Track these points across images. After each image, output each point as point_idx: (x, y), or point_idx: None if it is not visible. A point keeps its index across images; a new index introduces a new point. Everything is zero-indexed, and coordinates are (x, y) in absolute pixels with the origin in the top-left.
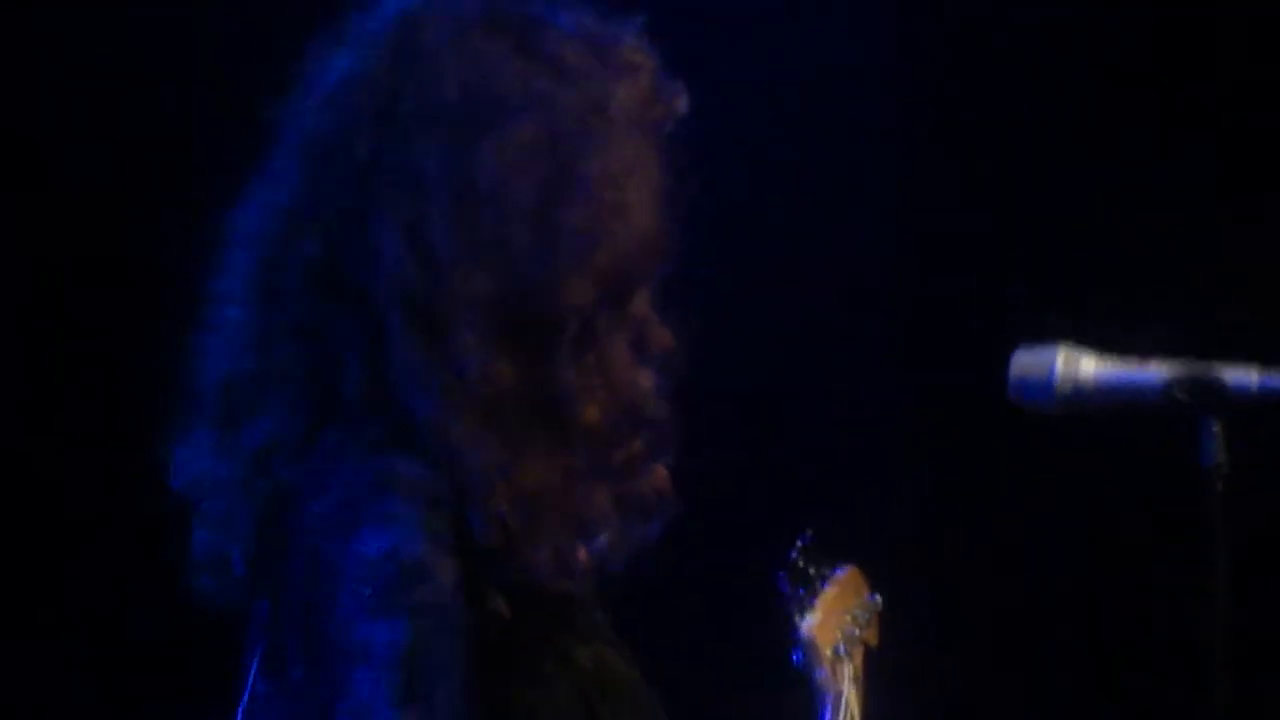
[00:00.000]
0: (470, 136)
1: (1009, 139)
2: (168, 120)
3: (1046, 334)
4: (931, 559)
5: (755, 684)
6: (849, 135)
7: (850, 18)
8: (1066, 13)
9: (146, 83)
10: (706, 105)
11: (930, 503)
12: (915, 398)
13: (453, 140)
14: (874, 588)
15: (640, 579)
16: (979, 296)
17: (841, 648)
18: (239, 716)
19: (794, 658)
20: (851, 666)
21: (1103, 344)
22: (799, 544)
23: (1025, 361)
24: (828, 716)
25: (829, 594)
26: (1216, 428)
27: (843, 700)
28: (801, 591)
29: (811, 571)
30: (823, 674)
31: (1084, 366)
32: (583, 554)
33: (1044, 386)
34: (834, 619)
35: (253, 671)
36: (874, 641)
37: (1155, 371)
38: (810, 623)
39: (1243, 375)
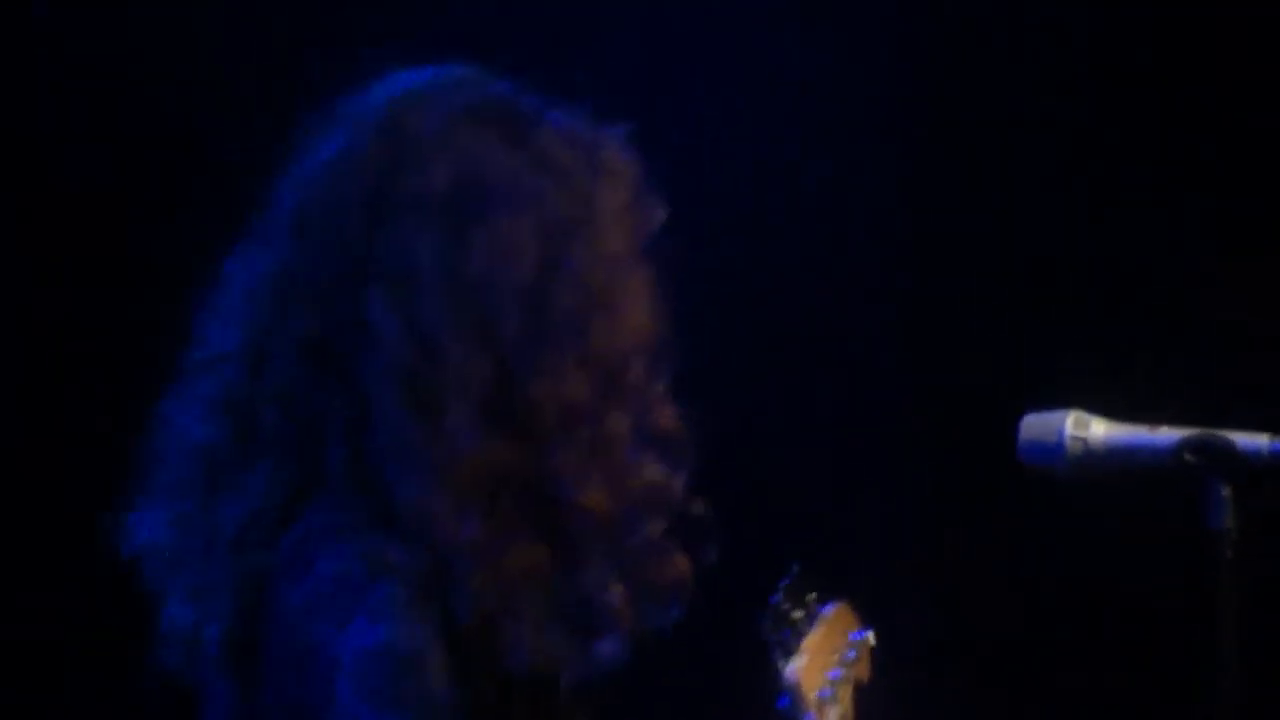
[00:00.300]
0: (461, 224)
1: (1009, 139)
2: (168, 120)
3: (1056, 395)
4: (932, 566)
5: None
6: (848, 136)
7: (850, 18)
8: (1066, 13)
9: (146, 83)
10: (706, 107)
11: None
12: (916, 400)
13: (443, 227)
14: (865, 622)
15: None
16: (979, 296)
17: (828, 691)
18: None
19: (780, 703)
20: (839, 707)
21: (1111, 403)
22: (782, 584)
23: (1035, 425)
24: None
25: (815, 635)
26: (1226, 491)
27: None
28: (786, 634)
29: (796, 614)
30: (810, 718)
31: (1094, 429)
32: (581, 650)
33: (1054, 449)
34: (820, 660)
35: None
36: (865, 677)
37: (1165, 435)
38: (795, 666)
39: (1253, 440)
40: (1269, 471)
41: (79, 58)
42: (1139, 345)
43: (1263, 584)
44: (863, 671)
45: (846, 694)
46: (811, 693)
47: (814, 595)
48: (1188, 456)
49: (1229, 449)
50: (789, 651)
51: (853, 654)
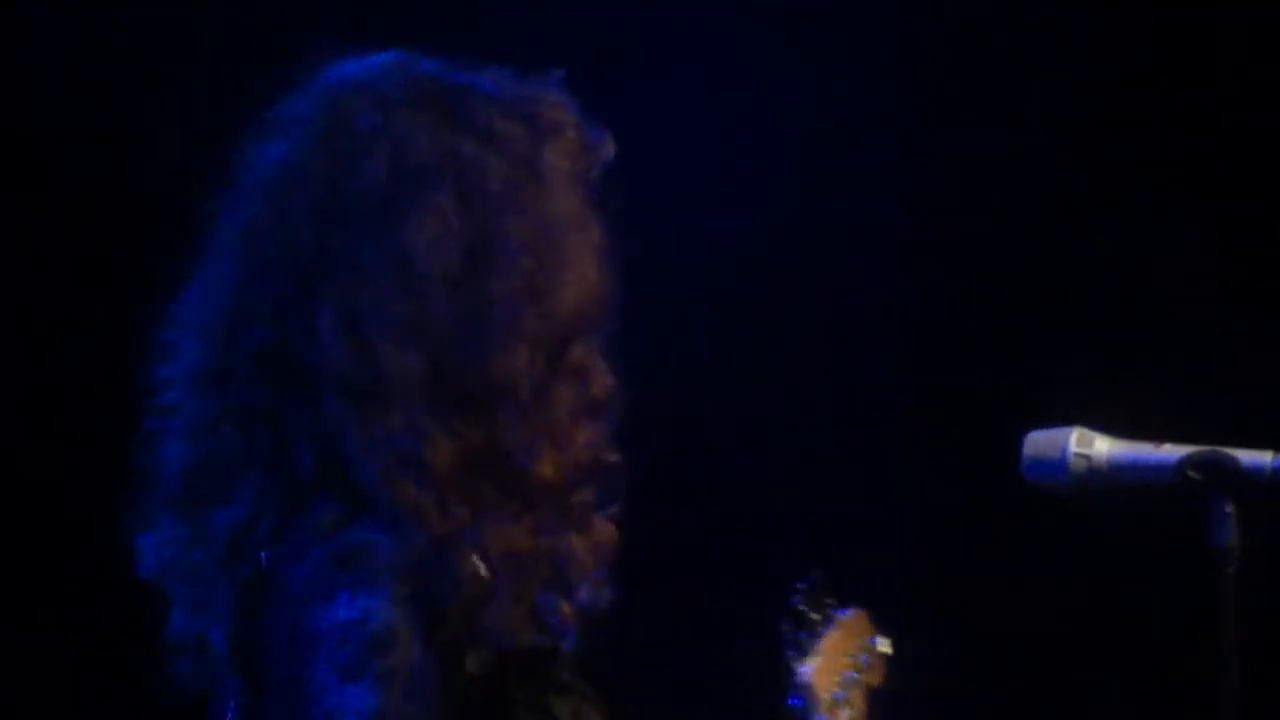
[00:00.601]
0: (397, 213)
1: (1010, 139)
2: (168, 121)
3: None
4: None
5: None
6: (849, 139)
7: (850, 19)
8: (1067, 13)
9: (146, 83)
10: (706, 108)
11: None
12: (918, 409)
13: (383, 219)
14: (880, 629)
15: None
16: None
17: (840, 693)
18: None
19: (792, 702)
20: (851, 710)
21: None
22: (802, 586)
23: (1039, 442)
24: None
25: (831, 637)
26: (1230, 508)
27: None
28: (802, 635)
29: (814, 615)
30: (821, 719)
31: (1097, 446)
32: (565, 608)
33: (1058, 466)
34: (834, 662)
35: None
36: (877, 682)
37: (1169, 452)
38: (809, 667)
39: (1257, 456)
40: (1272, 488)
41: (79, 57)
42: (1143, 360)
43: (1266, 601)
44: (876, 677)
45: (859, 697)
46: (824, 693)
47: (832, 600)
48: (1191, 473)
49: (1232, 466)
50: (804, 652)
51: (866, 658)
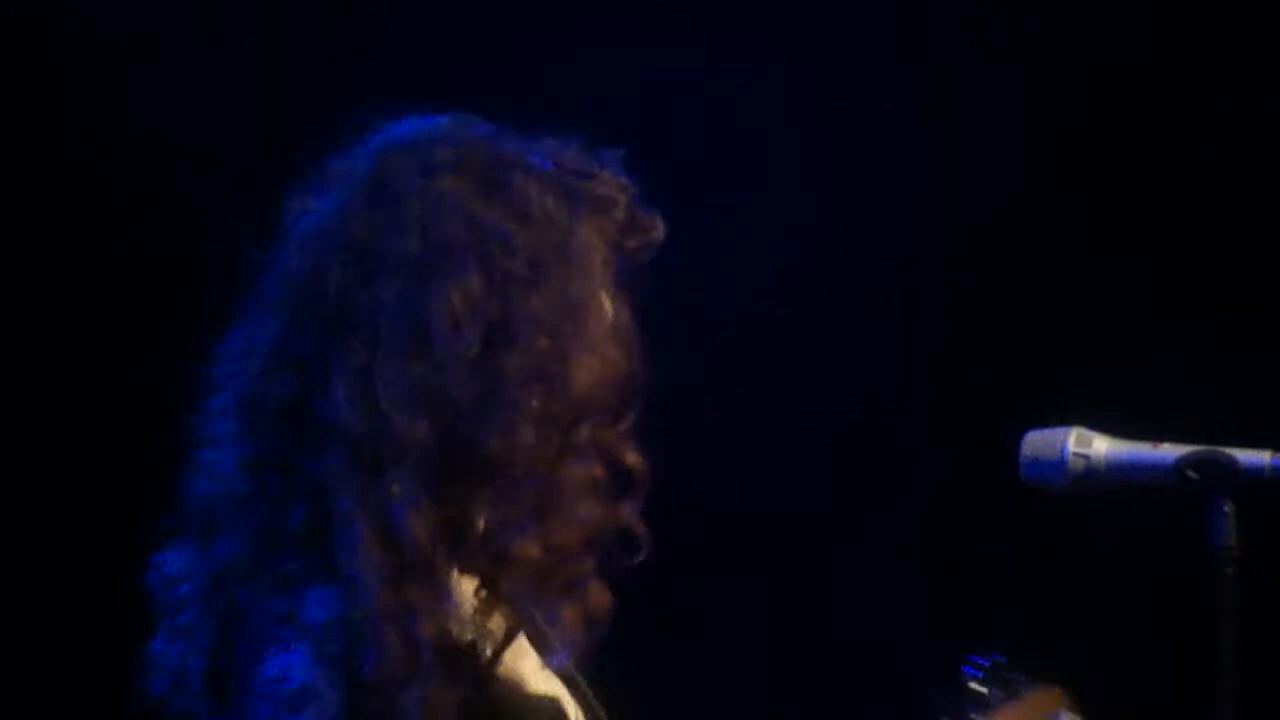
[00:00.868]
0: (424, 282)
1: (1010, 139)
2: (168, 121)
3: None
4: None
5: None
6: (851, 141)
7: (851, 19)
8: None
9: (147, 82)
10: (707, 111)
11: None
12: (917, 415)
13: (407, 285)
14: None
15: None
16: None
17: None
18: None
19: None
20: None
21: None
22: (979, 661)
23: (1037, 442)
24: None
25: (1011, 708)
26: (1228, 508)
27: None
28: (997, 692)
29: (993, 692)
30: None
31: (1096, 446)
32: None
33: (1056, 466)
34: None
35: None
36: None
37: (1167, 452)
38: None
39: (1255, 456)
40: (1271, 488)
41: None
42: (1142, 360)
43: (1265, 600)
44: None
45: None
46: None
47: (1019, 675)
48: (1189, 473)
49: (1231, 466)
50: (985, 709)
51: None
